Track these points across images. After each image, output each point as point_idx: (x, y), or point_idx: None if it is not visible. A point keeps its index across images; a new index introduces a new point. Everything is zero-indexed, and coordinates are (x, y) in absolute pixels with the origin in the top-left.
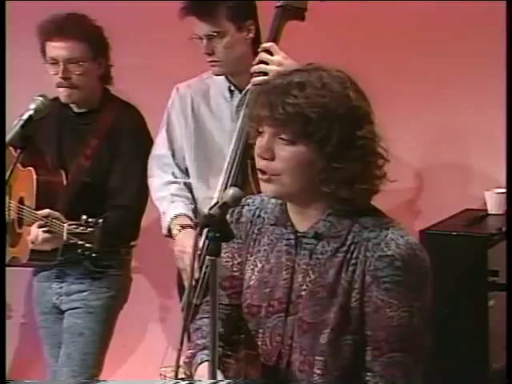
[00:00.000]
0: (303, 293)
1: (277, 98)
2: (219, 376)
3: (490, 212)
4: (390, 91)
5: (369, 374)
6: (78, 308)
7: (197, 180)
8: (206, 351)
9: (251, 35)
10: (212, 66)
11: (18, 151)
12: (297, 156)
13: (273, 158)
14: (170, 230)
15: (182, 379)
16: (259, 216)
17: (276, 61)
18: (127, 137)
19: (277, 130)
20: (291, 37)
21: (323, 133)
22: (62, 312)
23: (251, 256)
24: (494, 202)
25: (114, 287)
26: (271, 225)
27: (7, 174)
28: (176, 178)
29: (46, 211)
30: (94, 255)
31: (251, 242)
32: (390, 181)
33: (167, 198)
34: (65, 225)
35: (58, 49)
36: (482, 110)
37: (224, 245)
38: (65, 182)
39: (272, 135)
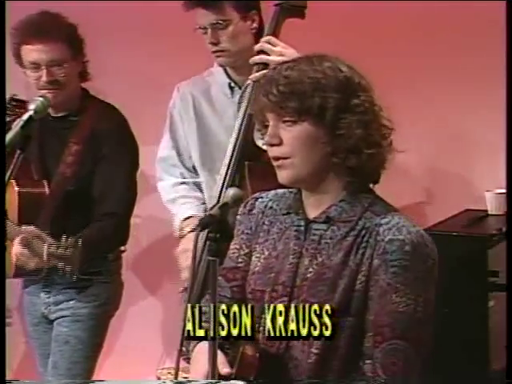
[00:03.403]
0: (309, 275)
1: (271, 85)
2: (224, 361)
3: (490, 212)
4: (389, 90)
5: (367, 361)
6: (65, 317)
7: (204, 178)
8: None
9: (255, 25)
10: (217, 56)
11: (18, 152)
12: (301, 134)
13: (280, 143)
14: (180, 231)
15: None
16: (271, 207)
17: (277, 51)
18: (107, 139)
19: (278, 113)
20: (287, 36)
21: (319, 105)
22: (51, 322)
23: (259, 246)
24: (494, 203)
25: (102, 295)
26: (283, 214)
27: (7, 174)
28: (185, 178)
29: (30, 229)
30: (73, 278)
31: (261, 232)
32: (398, 151)
33: (177, 201)
34: (45, 246)
35: (38, 52)
36: (482, 110)
37: (234, 236)
38: (47, 192)
39: (275, 121)
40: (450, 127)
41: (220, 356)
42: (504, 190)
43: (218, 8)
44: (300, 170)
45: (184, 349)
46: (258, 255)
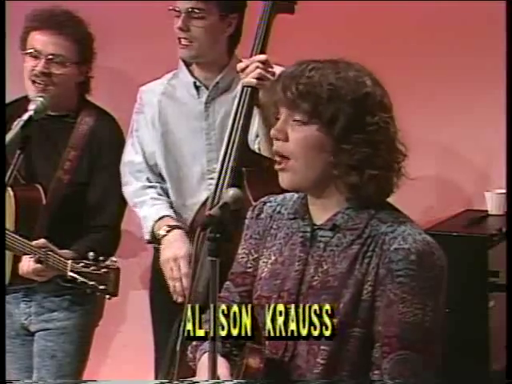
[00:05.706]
0: (314, 283)
1: (291, 81)
2: (225, 368)
3: (490, 212)
4: (389, 90)
5: (376, 371)
6: (48, 329)
7: (171, 185)
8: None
9: (230, 30)
10: (182, 46)
11: (18, 152)
12: (308, 137)
13: (286, 139)
14: (153, 233)
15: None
16: (279, 212)
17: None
18: (107, 149)
19: (290, 111)
20: (282, 35)
21: (331, 113)
22: (32, 334)
23: (266, 251)
24: (494, 203)
25: (86, 304)
26: (290, 219)
27: (7, 174)
28: (151, 182)
29: (42, 242)
30: (107, 297)
31: (268, 237)
32: (409, 178)
33: (147, 202)
34: (68, 262)
35: (44, 42)
36: (482, 110)
37: (242, 241)
38: (44, 200)
39: (286, 117)
40: (449, 127)
41: (223, 363)
42: (504, 190)
43: None
44: (302, 175)
45: (191, 355)
46: (265, 260)
